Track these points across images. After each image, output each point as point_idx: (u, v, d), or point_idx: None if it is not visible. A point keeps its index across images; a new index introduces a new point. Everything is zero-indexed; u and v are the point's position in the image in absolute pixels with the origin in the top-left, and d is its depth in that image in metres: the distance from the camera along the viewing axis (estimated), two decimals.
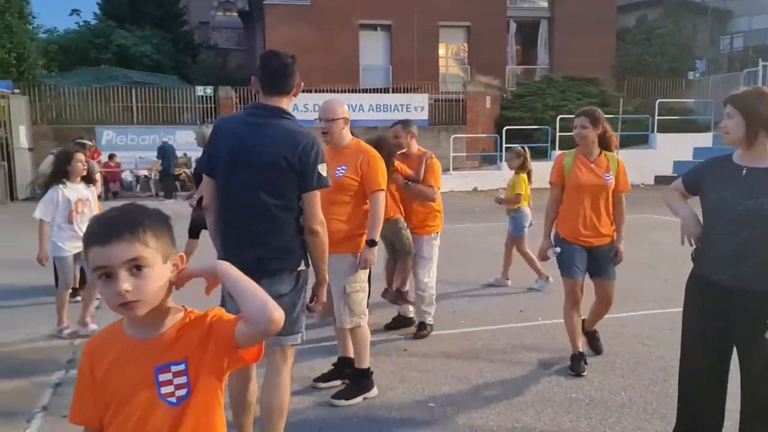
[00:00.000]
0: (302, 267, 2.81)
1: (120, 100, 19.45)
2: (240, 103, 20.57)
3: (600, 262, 4.12)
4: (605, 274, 4.16)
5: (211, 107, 20.22)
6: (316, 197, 2.73)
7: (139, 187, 18.47)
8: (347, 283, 3.63)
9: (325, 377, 3.99)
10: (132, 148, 18.79)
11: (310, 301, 2.97)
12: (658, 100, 19.35)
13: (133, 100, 19.55)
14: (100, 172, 17.38)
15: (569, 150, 4.30)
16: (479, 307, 5.85)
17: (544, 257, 4.32)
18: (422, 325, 4.98)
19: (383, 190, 3.68)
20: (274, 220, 2.70)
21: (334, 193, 3.54)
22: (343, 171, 3.60)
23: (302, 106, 17.00)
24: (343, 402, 3.68)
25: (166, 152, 17.04)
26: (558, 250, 4.16)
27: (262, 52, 2.89)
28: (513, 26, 25.70)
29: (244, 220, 2.71)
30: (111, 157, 17.76)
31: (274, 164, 2.65)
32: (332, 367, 4.04)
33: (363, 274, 3.72)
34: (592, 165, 4.12)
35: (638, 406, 3.62)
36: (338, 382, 3.95)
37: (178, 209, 14.66)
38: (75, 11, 31.76)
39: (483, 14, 24.15)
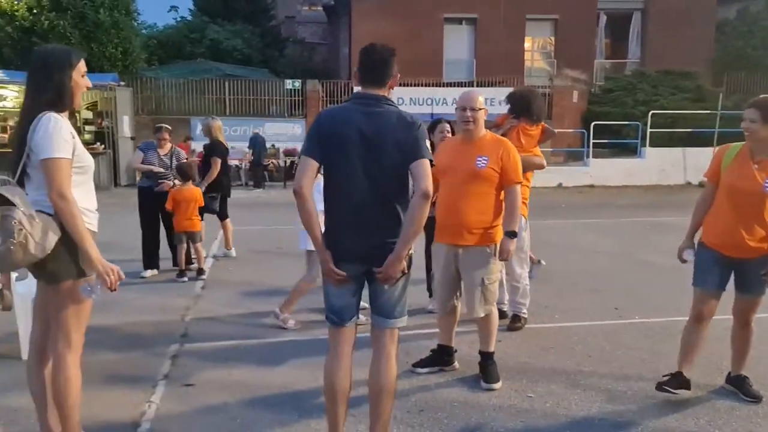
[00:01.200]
0: (412, 250, 2.84)
1: (213, 92, 20.31)
2: (326, 96, 21.03)
3: (746, 277, 3.56)
4: (748, 291, 3.59)
5: (298, 100, 20.78)
6: (428, 164, 2.72)
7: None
8: (486, 275, 3.77)
9: (424, 363, 4.10)
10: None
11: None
12: (762, 96, 18.24)
13: (226, 92, 20.35)
14: (193, 161, 18.36)
15: (736, 143, 3.66)
16: (572, 303, 5.80)
17: (680, 258, 3.75)
18: (516, 318, 5.01)
19: (521, 182, 3.81)
20: (391, 205, 2.76)
21: (473, 184, 3.67)
22: (485, 162, 3.69)
23: None
24: (493, 386, 3.84)
25: (256, 143, 17.67)
26: (692, 255, 3.68)
27: (364, 45, 2.90)
28: (603, 19, 24.90)
29: (364, 206, 2.74)
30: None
31: (394, 149, 2.71)
32: (431, 353, 4.15)
33: (499, 265, 3.89)
34: (755, 166, 3.46)
35: (748, 409, 3.53)
36: (436, 369, 4.07)
37: (268, 198, 15.26)
38: (173, 8, 33.50)
39: (572, 7, 23.53)
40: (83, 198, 2.70)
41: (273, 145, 19.22)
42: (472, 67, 24.06)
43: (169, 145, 7.08)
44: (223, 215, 7.90)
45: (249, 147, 17.78)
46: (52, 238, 2.54)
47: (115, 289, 2.68)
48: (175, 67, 22.29)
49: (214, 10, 27.96)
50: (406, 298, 2.91)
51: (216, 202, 7.57)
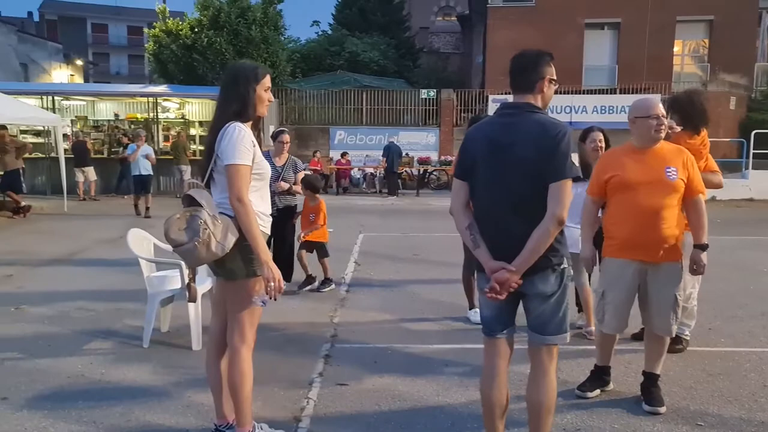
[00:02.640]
0: (565, 264, 2.73)
1: (351, 102, 21.03)
2: (460, 105, 21.03)
3: None
4: None
5: (432, 109, 20.97)
6: (568, 186, 2.60)
7: (365, 184, 19.80)
8: (678, 292, 3.63)
9: (590, 386, 3.90)
10: (360, 147, 20.22)
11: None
12: None
13: (363, 103, 20.99)
14: (333, 168, 19.10)
15: None
16: (740, 326, 5.32)
17: None
18: (677, 339, 4.66)
19: (704, 192, 3.68)
20: (534, 217, 2.61)
21: (665, 197, 3.53)
22: (675, 173, 3.54)
23: None
24: (658, 409, 3.64)
25: (391, 151, 18.05)
26: None
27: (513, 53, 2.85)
28: (766, 18, 22.82)
29: (506, 221, 2.67)
30: (343, 155, 19.28)
31: (528, 159, 2.60)
32: (590, 374, 3.97)
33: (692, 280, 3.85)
34: None
35: None
36: (598, 392, 3.88)
37: (402, 206, 15.52)
38: (315, 22, 34.97)
39: (729, 6, 21.80)
40: (259, 202, 2.90)
41: (407, 154, 19.53)
42: (614, 73, 23.01)
43: (286, 155, 6.49)
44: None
45: (383, 155, 18.20)
46: (231, 239, 2.75)
47: (275, 298, 2.82)
48: (317, 79, 23.36)
49: (352, 23, 29.01)
50: (564, 315, 2.78)
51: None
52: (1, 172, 12.54)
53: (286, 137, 6.49)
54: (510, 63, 2.83)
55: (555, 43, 21.62)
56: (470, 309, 5.52)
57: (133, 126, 18.62)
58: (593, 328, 4.70)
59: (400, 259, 8.45)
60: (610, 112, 19.26)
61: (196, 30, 19.79)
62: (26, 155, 13.91)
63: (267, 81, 2.96)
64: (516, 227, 2.66)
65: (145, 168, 12.44)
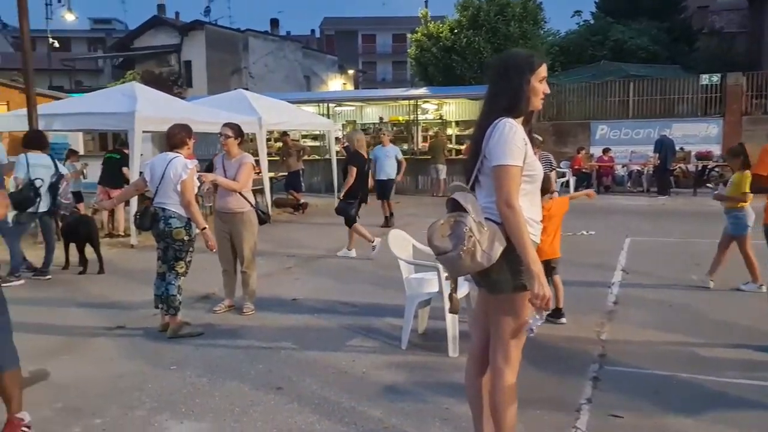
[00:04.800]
0: None
1: (616, 94, 19.43)
2: (750, 91, 18.13)
3: None
4: None
5: (714, 97, 18.38)
6: None
7: (630, 182, 18.15)
8: None
9: None
10: (625, 143, 18.58)
11: None
12: None
13: (630, 94, 19.26)
14: (594, 166, 17.84)
15: None
16: None
17: None
18: None
19: None
20: None
21: None
22: None
23: None
24: None
25: (664, 146, 16.17)
26: None
27: None
28: None
29: None
30: (605, 151, 17.91)
31: None
32: None
33: None
34: None
35: None
36: None
37: (674, 206, 13.80)
38: (577, 12, 33.35)
39: None
40: (528, 208, 2.55)
41: (681, 148, 17.38)
42: None
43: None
44: (352, 221, 8.32)
45: (655, 150, 16.37)
46: (498, 248, 2.43)
47: (543, 318, 2.45)
48: (577, 72, 22.12)
49: (618, 9, 26.94)
50: None
51: (353, 208, 8.23)
52: (285, 173, 14.10)
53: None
54: None
55: None
56: None
57: (394, 128, 19.67)
58: None
59: (677, 268, 7.37)
60: None
61: (455, 31, 20.14)
62: (305, 157, 15.48)
63: (543, 70, 2.58)
64: None
65: (386, 172, 11.38)
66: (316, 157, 18.83)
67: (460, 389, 3.77)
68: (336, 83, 40.03)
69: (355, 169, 8.18)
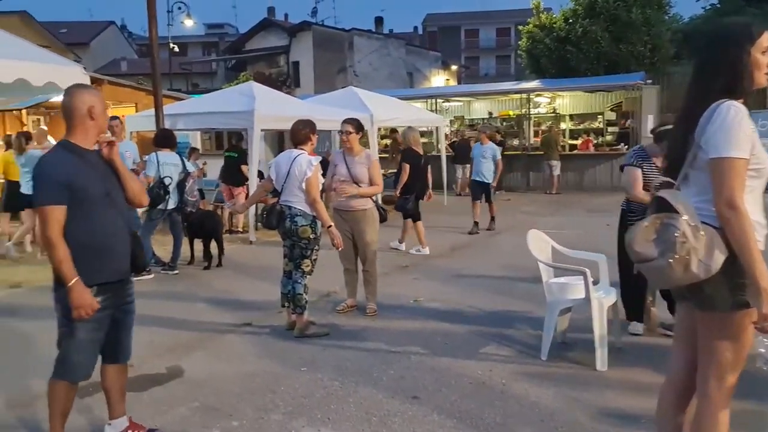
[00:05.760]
0: None
1: None
2: None
3: None
4: None
5: None
6: None
7: None
8: None
9: None
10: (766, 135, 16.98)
11: None
12: None
13: None
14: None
15: None
16: None
17: None
18: None
19: None
20: None
21: None
22: None
23: None
24: None
25: None
26: None
27: None
28: None
29: None
30: None
31: None
32: None
33: None
34: None
35: None
36: None
37: None
38: None
39: None
40: (753, 208, 2.12)
41: None
42: None
43: None
44: (415, 217, 8.55)
45: None
46: (719, 258, 2.02)
47: None
48: None
49: None
50: None
51: (409, 203, 8.36)
52: (394, 170, 13.94)
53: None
54: None
55: None
56: None
57: (504, 123, 19.07)
58: None
59: None
60: None
61: (570, 21, 19.23)
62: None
63: (765, 40, 2.16)
64: None
65: (480, 173, 10.23)
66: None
67: (619, 413, 3.39)
68: (439, 79, 39.70)
69: (408, 166, 8.30)
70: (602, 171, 16.39)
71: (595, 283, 4.30)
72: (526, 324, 5.03)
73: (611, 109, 18.21)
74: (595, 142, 17.50)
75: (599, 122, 18.11)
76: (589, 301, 4.09)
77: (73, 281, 2.65)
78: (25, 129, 12.32)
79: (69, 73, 10.00)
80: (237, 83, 21.94)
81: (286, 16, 43.92)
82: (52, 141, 9.40)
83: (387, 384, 3.91)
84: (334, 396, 3.74)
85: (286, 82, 30.64)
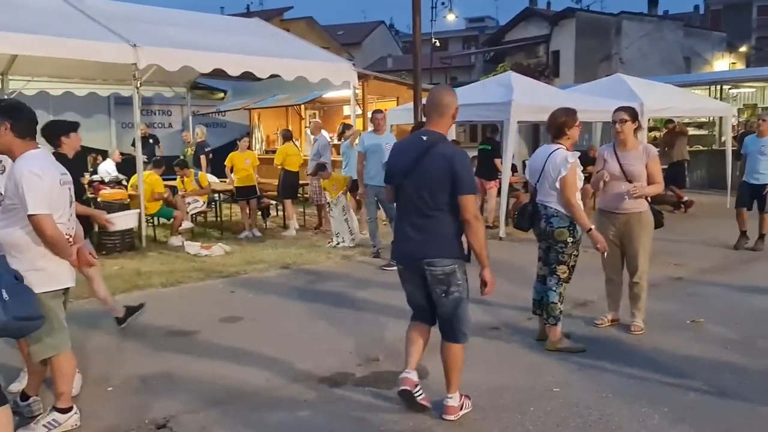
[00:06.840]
0: None
1: None
2: None
3: None
4: None
5: None
6: None
7: None
8: None
9: None
10: None
11: None
12: None
13: None
14: None
15: None
16: None
17: None
18: None
19: None
20: None
21: None
22: None
23: None
24: None
25: None
26: None
27: None
28: None
29: None
30: None
31: None
32: None
33: None
34: None
35: None
36: None
37: None
38: None
39: None
40: None
41: None
42: None
43: None
44: None
45: None
46: None
47: None
48: None
49: None
50: None
51: None
52: (665, 165, 12.41)
53: None
54: None
55: None
56: None
57: None
58: None
59: None
60: None
61: None
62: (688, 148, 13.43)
63: None
64: None
65: (757, 171, 7.86)
66: (700, 147, 16.36)
67: None
68: (722, 63, 34.86)
69: None
70: None
71: None
72: None
73: None
74: None
75: None
76: None
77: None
78: (302, 123, 13.69)
79: (340, 69, 10.74)
80: (495, 75, 21.74)
81: (548, 4, 42.53)
82: (325, 134, 10.18)
83: (660, 426, 3.25)
84: (594, 429, 3.22)
85: (545, 72, 29.59)
